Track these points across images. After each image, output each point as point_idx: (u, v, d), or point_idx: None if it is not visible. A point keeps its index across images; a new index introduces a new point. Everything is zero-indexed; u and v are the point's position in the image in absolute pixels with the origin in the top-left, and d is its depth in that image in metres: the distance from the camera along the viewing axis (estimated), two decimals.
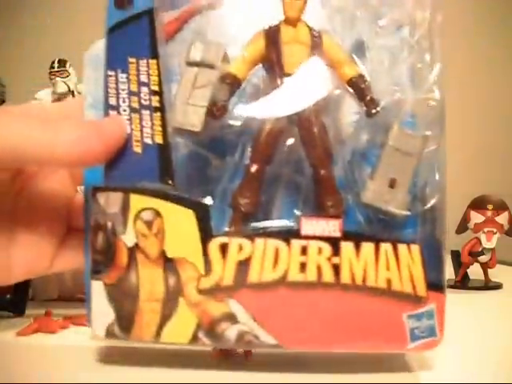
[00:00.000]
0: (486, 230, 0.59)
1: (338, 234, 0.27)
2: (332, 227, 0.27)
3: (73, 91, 0.62)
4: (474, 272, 0.60)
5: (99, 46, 0.32)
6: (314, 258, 0.27)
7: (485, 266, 0.60)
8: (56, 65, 0.60)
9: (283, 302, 0.27)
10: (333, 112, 0.30)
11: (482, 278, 0.60)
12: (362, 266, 0.27)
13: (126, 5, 0.32)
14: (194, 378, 0.27)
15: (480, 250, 0.59)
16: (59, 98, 0.61)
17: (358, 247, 0.27)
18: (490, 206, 0.59)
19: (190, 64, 0.29)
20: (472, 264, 0.60)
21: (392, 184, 0.28)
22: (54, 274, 0.47)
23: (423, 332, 0.27)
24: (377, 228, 0.28)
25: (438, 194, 0.28)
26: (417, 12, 0.30)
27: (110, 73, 0.30)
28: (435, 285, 0.27)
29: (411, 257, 0.27)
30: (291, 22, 0.30)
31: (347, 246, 0.27)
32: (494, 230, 0.59)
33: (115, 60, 0.31)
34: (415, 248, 0.27)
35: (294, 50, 0.29)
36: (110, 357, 0.29)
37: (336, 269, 0.27)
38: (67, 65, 0.61)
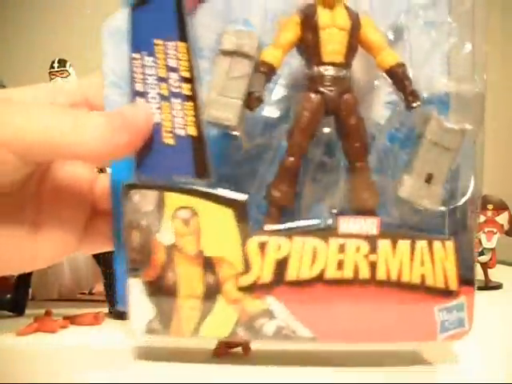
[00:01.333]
0: (486, 230, 0.59)
1: (375, 233, 0.27)
2: (370, 225, 0.27)
3: None
4: None
5: (118, 18, 0.30)
6: (351, 255, 0.27)
7: (485, 266, 0.60)
8: (56, 65, 0.59)
9: (320, 297, 0.27)
10: (369, 101, 0.29)
11: (482, 278, 0.59)
12: (398, 263, 0.27)
13: None
14: (195, 377, 0.28)
15: (480, 250, 0.59)
16: None
17: (394, 244, 0.27)
18: (490, 206, 0.58)
19: (224, 53, 0.27)
20: None
21: (428, 179, 0.28)
22: (53, 273, 0.47)
23: (453, 324, 0.28)
24: (412, 223, 0.28)
25: (473, 189, 0.28)
26: None
27: (134, 55, 0.29)
28: (466, 279, 0.28)
29: (445, 253, 0.28)
30: (328, 4, 0.28)
31: (384, 244, 0.27)
32: (494, 230, 0.58)
33: (140, 41, 0.29)
34: (449, 244, 0.28)
35: (332, 36, 0.28)
36: (109, 356, 0.30)
37: (373, 266, 0.27)
38: (67, 65, 0.59)
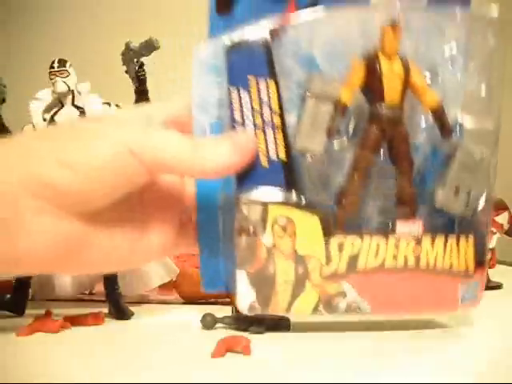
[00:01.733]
0: None
1: (420, 232, 0.37)
2: (417, 227, 0.37)
3: (73, 91, 0.62)
4: None
5: (205, 49, 0.36)
6: (403, 250, 0.36)
7: None
8: (56, 65, 0.60)
9: (379, 282, 0.36)
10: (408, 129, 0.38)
11: None
12: (435, 254, 0.37)
13: (227, 10, 0.36)
14: (195, 377, 0.29)
15: None
16: (59, 97, 0.62)
17: (433, 241, 0.37)
18: None
19: (312, 95, 0.35)
20: None
21: (456, 192, 0.38)
22: (53, 274, 0.47)
23: (469, 297, 0.38)
24: (445, 224, 0.38)
25: (487, 199, 0.38)
26: (477, 40, 0.37)
27: (232, 89, 0.35)
28: (480, 263, 0.38)
29: (467, 245, 0.38)
30: (389, 55, 0.36)
31: (426, 241, 0.37)
32: (494, 230, 0.60)
33: (236, 77, 0.35)
34: (471, 239, 0.38)
35: (391, 83, 0.36)
36: (108, 356, 0.31)
37: (417, 257, 0.37)
38: (67, 65, 0.61)
